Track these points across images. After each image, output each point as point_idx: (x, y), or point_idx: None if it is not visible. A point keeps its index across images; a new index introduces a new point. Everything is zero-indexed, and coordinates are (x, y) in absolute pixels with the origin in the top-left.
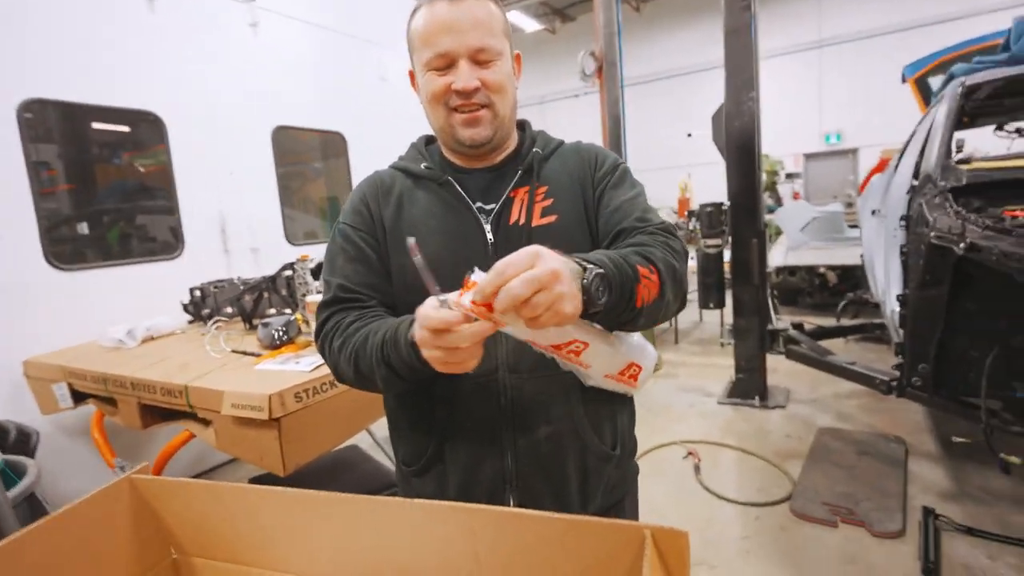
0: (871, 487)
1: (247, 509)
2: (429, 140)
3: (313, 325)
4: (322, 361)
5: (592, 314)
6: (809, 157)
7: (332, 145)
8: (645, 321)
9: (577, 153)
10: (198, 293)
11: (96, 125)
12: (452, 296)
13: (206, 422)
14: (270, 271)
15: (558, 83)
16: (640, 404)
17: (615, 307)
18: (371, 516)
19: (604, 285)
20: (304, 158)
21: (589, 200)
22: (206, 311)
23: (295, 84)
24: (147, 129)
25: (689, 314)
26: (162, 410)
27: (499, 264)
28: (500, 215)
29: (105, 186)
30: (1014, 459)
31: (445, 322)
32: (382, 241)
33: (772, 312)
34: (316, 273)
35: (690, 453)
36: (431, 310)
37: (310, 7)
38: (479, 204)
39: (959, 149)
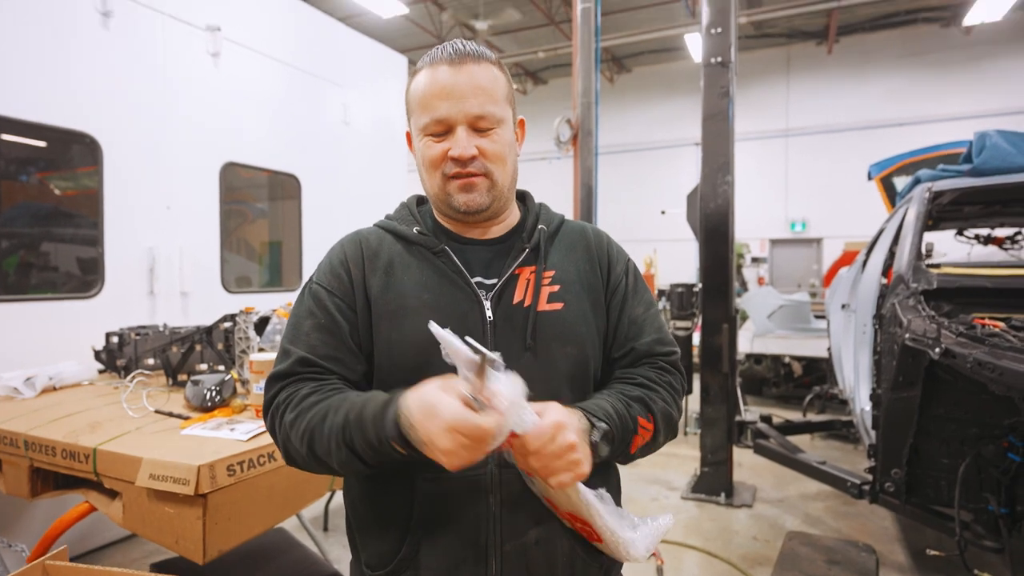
0: None
1: None
2: (420, 200)
3: (252, 386)
4: (261, 429)
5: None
6: (775, 243)
7: (283, 187)
8: (632, 460)
9: (584, 242)
10: (116, 340)
11: (7, 137)
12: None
13: (113, 493)
14: (200, 319)
15: (528, 144)
16: None
17: (611, 454)
18: None
19: (607, 441)
20: (246, 196)
21: (598, 298)
22: (122, 361)
23: (252, 120)
24: (78, 150)
25: None
26: (58, 475)
27: (547, 431)
28: (502, 292)
29: (10, 206)
30: None
31: (486, 431)
32: (361, 310)
33: (740, 402)
34: (260, 328)
35: (653, 554)
36: (470, 414)
37: (276, 42)
38: (478, 279)
39: (928, 253)
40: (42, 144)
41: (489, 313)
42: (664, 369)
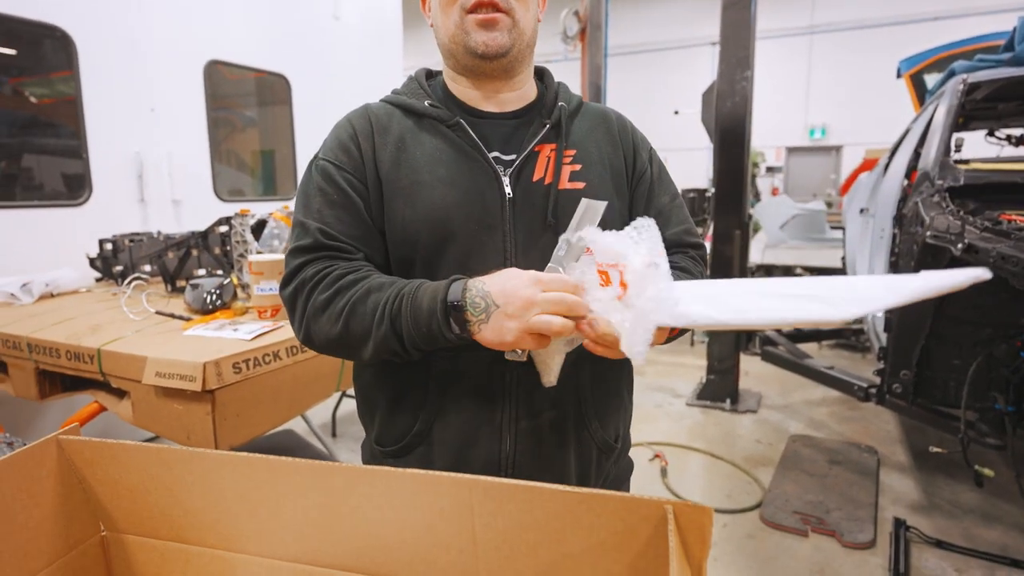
0: (842, 497)
1: (200, 478)
2: (430, 74)
3: (254, 288)
4: (265, 329)
5: None
6: (792, 151)
7: (272, 90)
8: (667, 340)
9: (606, 125)
10: (109, 246)
11: None
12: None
13: (121, 393)
14: (193, 228)
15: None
16: None
17: None
18: (351, 488)
19: None
20: (234, 103)
21: (620, 182)
22: (118, 268)
23: (236, 14)
24: (49, 49)
25: None
26: (65, 378)
27: None
28: (521, 169)
29: None
30: (987, 472)
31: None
32: (372, 187)
33: None
34: (257, 231)
35: (657, 455)
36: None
37: None
38: (496, 154)
39: (958, 148)
40: (12, 52)
41: (508, 190)
42: (696, 261)
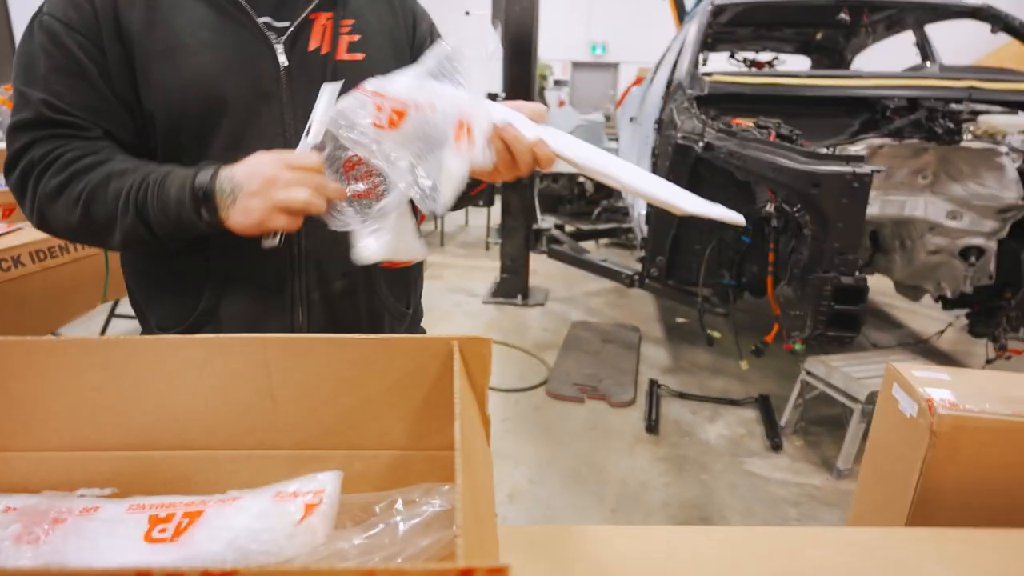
0: (612, 367)
1: None
2: None
3: None
4: (6, 229)
5: None
6: (576, 66)
7: None
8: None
9: None
10: None
11: None
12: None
13: None
14: None
15: None
16: None
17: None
18: (132, 361)
19: None
20: None
21: (402, 55)
22: None
23: None
24: None
25: (455, 217)
26: None
27: None
28: (296, 37)
29: None
30: (716, 333)
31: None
32: (115, 51)
33: (537, 212)
34: None
35: None
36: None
37: None
38: (266, 19)
39: (704, 63)
40: None
41: (283, 59)
42: None
